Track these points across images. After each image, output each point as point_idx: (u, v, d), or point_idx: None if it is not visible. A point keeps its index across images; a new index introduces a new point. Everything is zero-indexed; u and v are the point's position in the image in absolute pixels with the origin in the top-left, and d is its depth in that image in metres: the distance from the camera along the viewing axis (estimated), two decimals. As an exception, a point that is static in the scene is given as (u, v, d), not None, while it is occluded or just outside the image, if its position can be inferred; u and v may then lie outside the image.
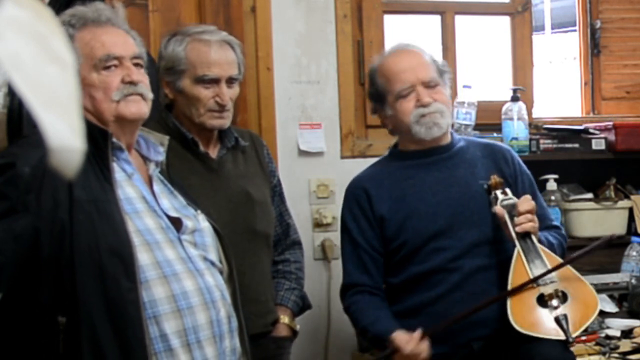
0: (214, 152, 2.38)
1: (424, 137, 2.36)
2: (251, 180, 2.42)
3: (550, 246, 2.32)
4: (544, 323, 2.09)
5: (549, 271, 2.15)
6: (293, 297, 2.51)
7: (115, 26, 1.88)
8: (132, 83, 1.83)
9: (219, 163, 2.37)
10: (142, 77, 1.87)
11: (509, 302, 2.14)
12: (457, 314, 2.23)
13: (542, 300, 2.13)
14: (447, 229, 2.32)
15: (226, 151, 2.39)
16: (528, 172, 2.50)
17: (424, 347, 2.19)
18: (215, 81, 2.30)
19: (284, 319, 2.46)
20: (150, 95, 1.88)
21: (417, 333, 2.19)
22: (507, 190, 2.31)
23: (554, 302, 2.11)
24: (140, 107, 1.85)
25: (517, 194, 2.35)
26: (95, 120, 1.81)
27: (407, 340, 2.18)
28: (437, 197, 2.36)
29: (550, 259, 2.20)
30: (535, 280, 2.15)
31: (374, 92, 2.44)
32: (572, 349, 2.19)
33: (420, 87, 2.34)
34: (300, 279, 2.55)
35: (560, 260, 2.22)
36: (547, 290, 2.14)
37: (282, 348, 2.46)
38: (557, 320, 2.07)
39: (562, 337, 2.05)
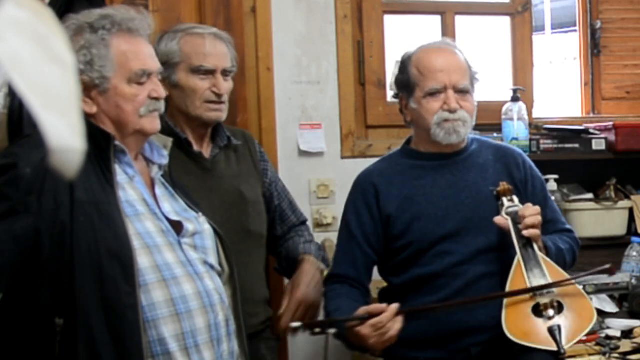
0: (207, 152, 2.38)
1: (441, 141, 2.33)
2: (244, 179, 2.42)
3: (558, 252, 2.31)
4: (537, 333, 2.07)
5: (546, 286, 2.13)
6: (314, 247, 2.48)
7: (144, 37, 1.89)
8: (157, 99, 1.86)
9: (212, 163, 2.37)
10: (164, 93, 1.91)
11: (504, 310, 2.13)
12: (450, 311, 2.22)
13: (538, 310, 2.11)
14: (455, 233, 2.31)
15: (219, 150, 2.40)
16: (540, 176, 2.48)
17: (397, 325, 2.10)
18: (211, 72, 2.32)
19: (310, 258, 2.41)
20: (163, 109, 1.91)
21: (394, 306, 2.11)
22: (515, 197, 2.30)
23: (549, 313, 2.10)
24: (158, 123, 1.89)
25: (528, 199, 2.34)
26: (113, 129, 1.82)
27: (381, 308, 2.10)
28: (447, 201, 2.34)
29: (550, 269, 2.18)
30: (531, 291, 2.13)
31: (404, 81, 2.40)
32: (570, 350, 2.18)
33: (451, 91, 2.32)
34: (314, 240, 2.53)
35: (560, 271, 2.20)
36: (543, 300, 2.12)
37: (271, 349, 2.47)
38: (550, 330, 2.05)
39: (554, 348, 2.03)
